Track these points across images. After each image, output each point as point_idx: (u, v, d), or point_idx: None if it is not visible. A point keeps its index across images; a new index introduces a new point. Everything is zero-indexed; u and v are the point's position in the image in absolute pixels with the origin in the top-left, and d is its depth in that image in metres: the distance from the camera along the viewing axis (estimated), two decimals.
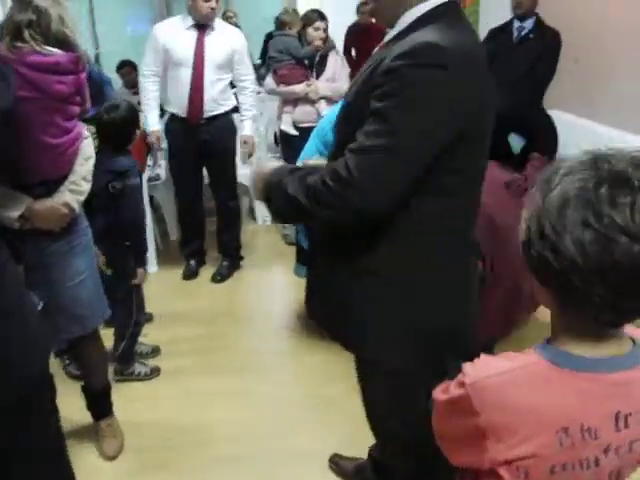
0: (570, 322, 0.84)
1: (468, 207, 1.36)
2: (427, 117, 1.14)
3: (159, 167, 4.27)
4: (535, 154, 2.21)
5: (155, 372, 2.82)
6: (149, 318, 3.28)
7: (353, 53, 6.71)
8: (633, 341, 0.86)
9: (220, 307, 3.46)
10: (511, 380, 0.83)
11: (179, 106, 3.48)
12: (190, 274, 3.84)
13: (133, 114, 2.55)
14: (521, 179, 2.09)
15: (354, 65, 6.55)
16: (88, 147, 1.99)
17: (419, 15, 1.24)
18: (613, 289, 0.74)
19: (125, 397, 2.60)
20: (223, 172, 3.72)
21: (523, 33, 3.88)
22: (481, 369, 0.86)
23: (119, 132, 2.49)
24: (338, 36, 6.28)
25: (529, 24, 3.86)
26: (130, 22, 8.69)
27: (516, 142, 2.34)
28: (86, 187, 2.00)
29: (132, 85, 5.03)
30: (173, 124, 3.59)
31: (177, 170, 3.74)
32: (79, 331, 2.09)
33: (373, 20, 6.56)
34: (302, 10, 5.14)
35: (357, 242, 1.32)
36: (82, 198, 1.99)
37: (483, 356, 0.89)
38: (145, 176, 3.89)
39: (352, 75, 6.39)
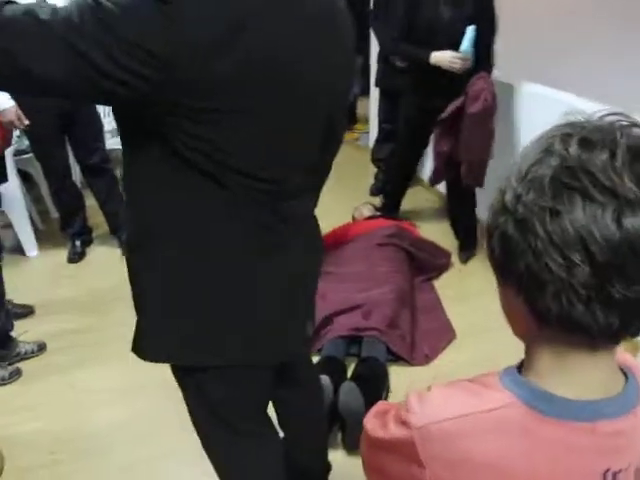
0: (551, 341, 0.62)
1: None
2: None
3: None
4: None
5: (15, 375, 2.48)
6: (29, 311, 2.90)
7: None
8: (624, 373, 0.65)
9: (113, 292, 3.09)
10: (472, 428, 0.62)
11: None
12: (75, 256, 3.43)
13: None
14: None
15: None
16: None
17: None
18: (615, 274, 0.53)
19: (1, 409, 2.25)
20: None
21: None
22: (433, 408, 0.64)
23: None
24: None
25: None
26: None
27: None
28: None
29: None
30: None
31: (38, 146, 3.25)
32: None
33: None
34: None
35: None
36: None
37: (436, 387, 0.67)
38: (12, 148, 3.41)
39: None
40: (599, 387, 0.61)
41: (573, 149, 0.55)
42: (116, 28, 0.84)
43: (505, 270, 0.61)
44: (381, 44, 3.82)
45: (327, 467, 1.80)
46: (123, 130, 1.07)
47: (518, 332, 0.67)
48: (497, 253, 0.60)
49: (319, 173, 1.25)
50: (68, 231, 3.49)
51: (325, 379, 2.06)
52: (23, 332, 2.64)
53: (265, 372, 1.29)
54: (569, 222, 0.53)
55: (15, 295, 2.91)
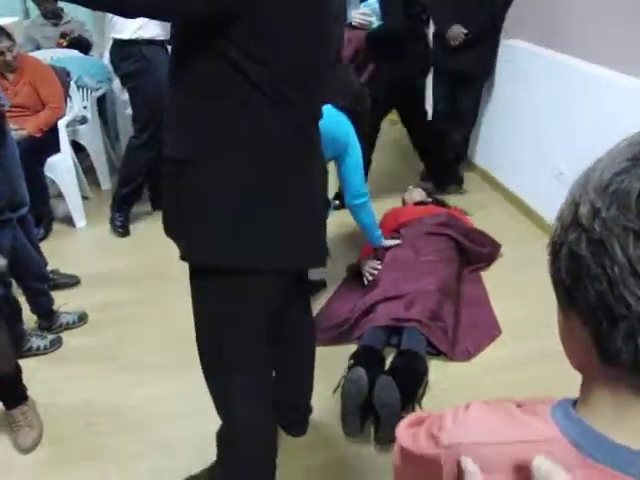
0: (616, 382, 0.52)
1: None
2: None
3: (84, 108, 3.82)
4: None
5: (56, 344, 2.52)
6: (75, 282, 2.95)
7: None
8: None
9: (158, 266, 3.09)
10: (505, 458, 0.54)
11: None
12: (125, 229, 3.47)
13: None
14: None
15: None
16: None
17: None
18: None
19: (42, 377, 2.30)
20: None
21: None
22: (467, 429, 0.57)
23: None
24: None
25: None
26: None
27: None
28: None
29: (53, 15, 4.42)
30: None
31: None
32: None
33: None
34: None
35: None
36: None
37: (475, 406, 0.59)
38: (65, 120, 3.46)
39: None
40: None
41: None
42: None
43: (571, 295, 0.52)
44: (436, 23, 3.71)
45: (309, 408, 1.95)
46: (185, 49, 1.19)
47: (576, 364, 0.58)
48: (563, 274, 0.52)
49: (324, 97, 1.46)
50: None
51: (360, 371, 2.00)
52: (63, 304, 2.68)
53: (285, 280, 1.40)
54: None
55: (62, 265, 2.98)
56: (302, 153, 1.28)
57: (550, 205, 3.32)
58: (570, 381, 2.32)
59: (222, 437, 1.62)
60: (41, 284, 2.54)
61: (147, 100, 3.07)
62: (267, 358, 1.49)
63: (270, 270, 1.30)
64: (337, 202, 3.33)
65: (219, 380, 1.48)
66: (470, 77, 3.73)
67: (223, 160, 1.20)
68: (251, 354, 1.43)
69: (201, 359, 1.46)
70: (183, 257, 1.32)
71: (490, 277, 2.95)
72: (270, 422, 1.61)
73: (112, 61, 3.21)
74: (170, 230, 1.37)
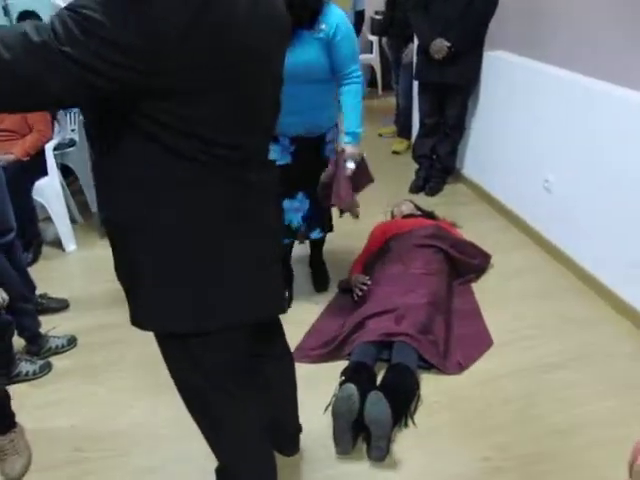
0: None
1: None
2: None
3: (71, 131, 3.82)
4: None
5: (45, 369, 2.50)
6: (64, 306, 2.93)
7: None
8: None
9: None
10: None
11: None
12: None
13: None
14: None
15: None
16: None
17: None
18: None
19: (31, 403, 2.28)
20: None
21: None
22: None
23: None
24: None
25: None
26: None
27: None
28: None
29: None
30: None
31: None
32: None
33: None
34: None
35: None
36: None
37: None
38: (53, 143, 3.46)
39: None
40: None
41: None
42: (97, 31, 0.94)
43: None
44: (420, 37, 3.74)
45: (299, 427, 1.94)
46: (95, 123, 1.15)
47: None
48: None
49: (270, 136, 1.39)
50: None
51: (351, 388, 1.99)
52: (52, 328, 2.66)
53: (246, 333, 1.40)
54: None
55: (51, 289, 2.96)
56: (241, 209, 1.25)
57: (538, 214, 3.33)
58: (561, 393, 2.33)
59: (223, 475, 1.68)
60: (24, 303, 2.50)
61: None
62: (249, 395, 1.52)
63: (221, 328, 1.30)
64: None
65: (207, 427, 1.53)
66: (455, 89, 3.76)
67: (156, 229, 1.19)
68: (232, 399, 1.46)
69: (186, 407, 1.50)
70: (134, 323, 1.34)
71: (480, 287, 2.94)
72: (266, 449, 1.65)
73: None
74: (121, 282, 1.36)
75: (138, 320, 1.33)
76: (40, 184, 3.34)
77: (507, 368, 2.36)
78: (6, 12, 6.84)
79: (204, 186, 1.17)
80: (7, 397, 2.02)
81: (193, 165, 1.13)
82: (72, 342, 2.66)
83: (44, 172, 3.37)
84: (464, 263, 3.00)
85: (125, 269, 1.30)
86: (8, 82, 0.94)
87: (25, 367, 2.44)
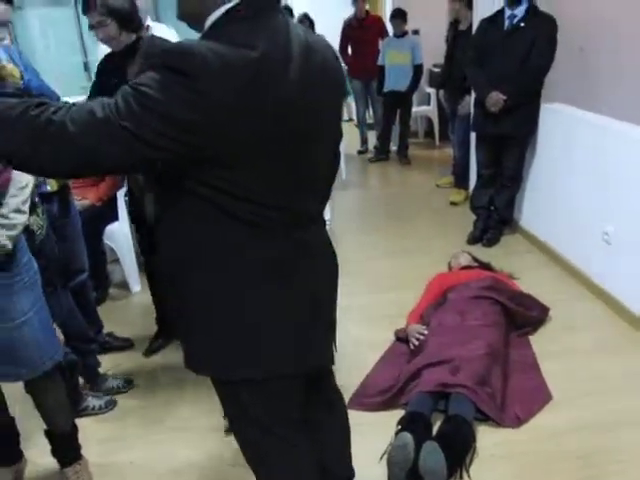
0: None
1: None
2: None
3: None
4: None
5: (110, 405, 2.59)
6: (129, 345, 3.05)
7: (349, 50, 6.51)
8: None
9: None
10: None
11: None
12: None
13: None
14: None
15: (351, 61, 6.35)
16: (22, 174, 1.74)
17: (217, 17, 1.16)
18: None
19: (96, 437, 2.37)
20: None
21: (515, 21, 3.61)
22: None
23: None
24: (335, 31, 6.09)
25: (520, 11, 3.60)
26: None
27: None
28: (20, 219, 1.77)
29: None
30: None
31: None
32: (27, 374, 1.87)
33: (368, 12, 6.38)
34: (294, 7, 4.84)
35: None
36: (15, 232, 1.75)
37: None
38: (123, 190, 3.66)
39: (349, 72, 6.23)
40: None
41: None
42: (155, 107, 1.03)
43: None
44: (476, 90, 3.82)
45: (352, 473, 1.89)
46: (155, 182, 1.27)
47: None
48: None
49: (326, 197, 1.44)
50: None
51: (407, 437, 1.99)
52: (114, 365, 2.78)
53: (295, 382, 1.42)
54: None
55: (117, 328, 3.09)
56: (293, 266, 1.30)
57: (598, 266, 3.27)
58: (622, 455, 2.27)
59: None
60: (83, 344, 2.59)
61: None
62: (304, 442, 1.53)
63: (267, 378, 1.34)
64: None
65: (264, 476, 1.54)
66: (512, 140, 3.79)
67: (209, 282, 1.26)
68: (288, 447, 1.48)
69: (244, 458, 1.53)
70: (187, 367, 1.39)
71: (538, 340, 2.89)
72: None
73: None
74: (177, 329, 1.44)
75: (191, 365, 1.39)
76: (111, 228, 3.54)
77: (566, 424, 2.30)
78: (86, 68, 7.37)
79: (257, 246, 1.23)
80: (75, 429, 2.12)
81: (248, 226, 1.20)
82: (129, 383, 2.73)
83: (115, 217, 3.57)
84: (522, 315, 2.96)
85: (177, 316, 1.37)
86: (69, 152, 1.05)
87: (92, 402, 2.54)
